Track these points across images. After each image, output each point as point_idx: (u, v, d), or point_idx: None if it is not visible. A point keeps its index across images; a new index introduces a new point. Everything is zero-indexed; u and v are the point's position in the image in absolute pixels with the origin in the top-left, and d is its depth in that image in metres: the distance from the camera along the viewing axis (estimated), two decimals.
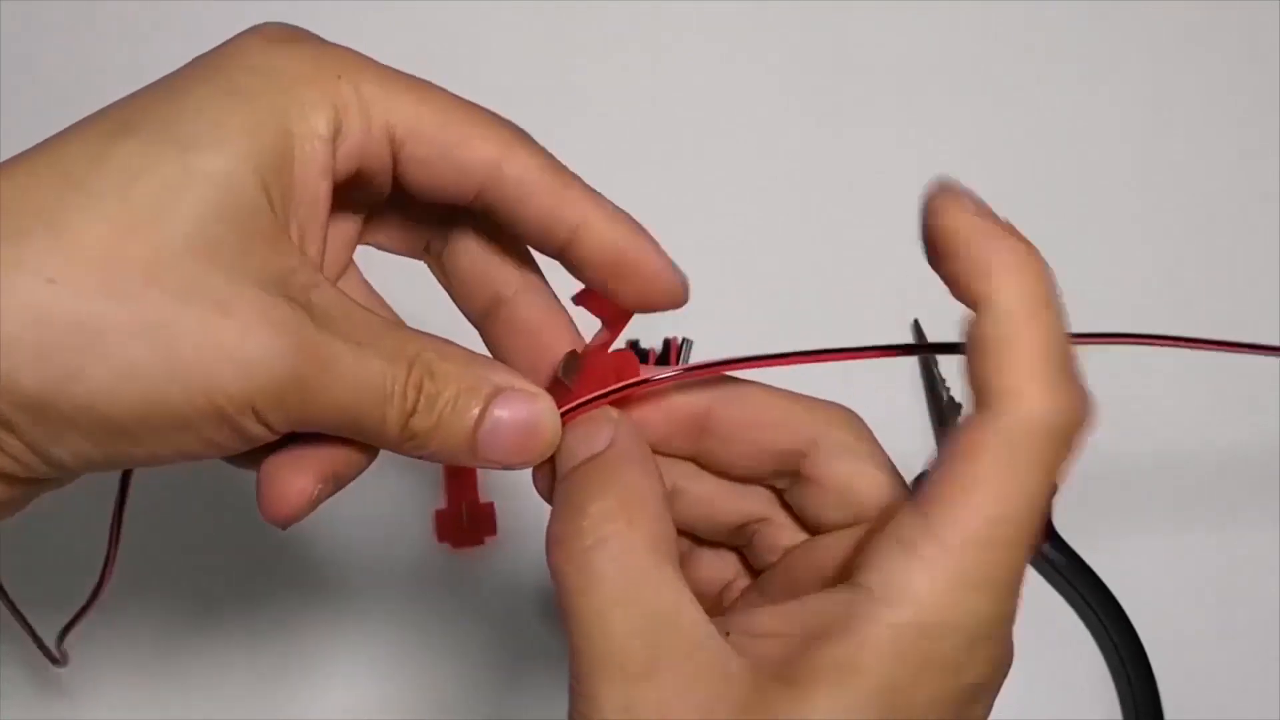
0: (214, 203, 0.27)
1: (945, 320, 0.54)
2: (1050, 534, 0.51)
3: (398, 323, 0.31)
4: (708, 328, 0.52)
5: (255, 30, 0.30)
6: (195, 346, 0.26)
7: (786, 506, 0.33)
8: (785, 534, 0.33)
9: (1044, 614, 0.51)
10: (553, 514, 0.29)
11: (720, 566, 0.35)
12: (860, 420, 0.31)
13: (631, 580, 0.28)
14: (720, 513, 0.34)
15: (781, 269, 0.57)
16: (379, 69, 0.30)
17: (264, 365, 0.26)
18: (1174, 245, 0.57)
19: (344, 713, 0.50)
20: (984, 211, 0.28)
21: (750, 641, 0.28)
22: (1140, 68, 0.60)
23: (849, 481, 0.31)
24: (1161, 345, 0.36)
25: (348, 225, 0.33)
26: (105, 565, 0.35)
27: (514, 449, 0.30)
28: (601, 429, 0.30)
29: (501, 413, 0.29)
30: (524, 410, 0.30)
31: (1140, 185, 0.58)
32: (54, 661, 0.41)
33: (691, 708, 0.26)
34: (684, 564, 0.32)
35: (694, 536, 0.35)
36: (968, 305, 0.27)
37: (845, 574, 0.28)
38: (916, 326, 0.55)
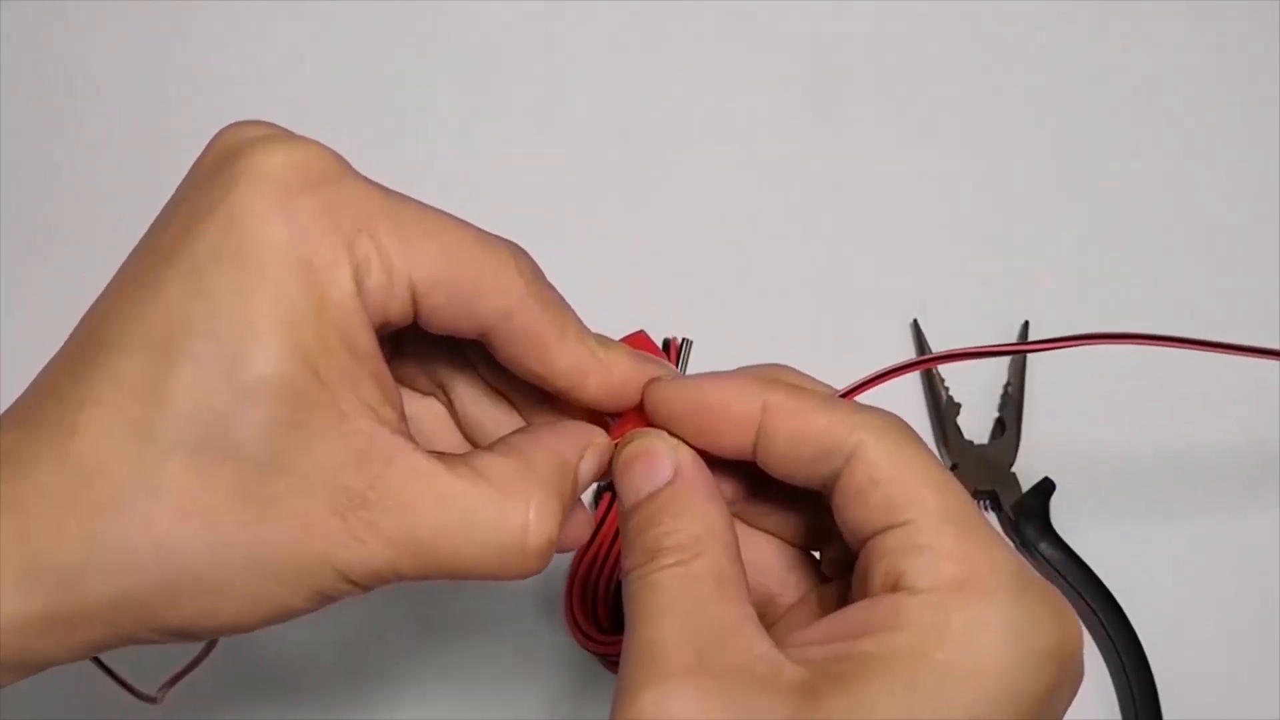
0: (274, 414, 0.27)
1: (945, 320, 0.55)
2: (1049, 533, 0.51)
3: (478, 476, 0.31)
4: (708, 328, 0.52)
5: (253, 173, 0.28)
6: (296, 568, 0.28)
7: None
8: (840, 549, 0.33)
9: None
10: (624, 550, 0.30)
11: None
12: (908, 425, 0.31)
13: (693, 597, 0.28)
14: (791, 520, 0.34)
15: (781, 269, 0.57)
16: (395, 216, 0.29)
17: (356, 568, 0.28)
18: (1175, 242, 0.57)
19: None
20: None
21: (801, 651, 0.28)
22: (1140, 68, 0.60)
23: (896, 481, 0.30)
24: (1157, 345, 0.36)
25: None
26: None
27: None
28: (663, 460, 0.31)
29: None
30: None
31: (1141, 186, 0.58)
32: (147, 699, 0.42)
33: (735, 711, 0.27)
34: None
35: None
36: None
37: (887, 587, 0.29)
38: (916, 326, 0.55)
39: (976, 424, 0.54)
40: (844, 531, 0.31)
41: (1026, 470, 0.52)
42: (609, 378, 0.32)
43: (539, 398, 0.34)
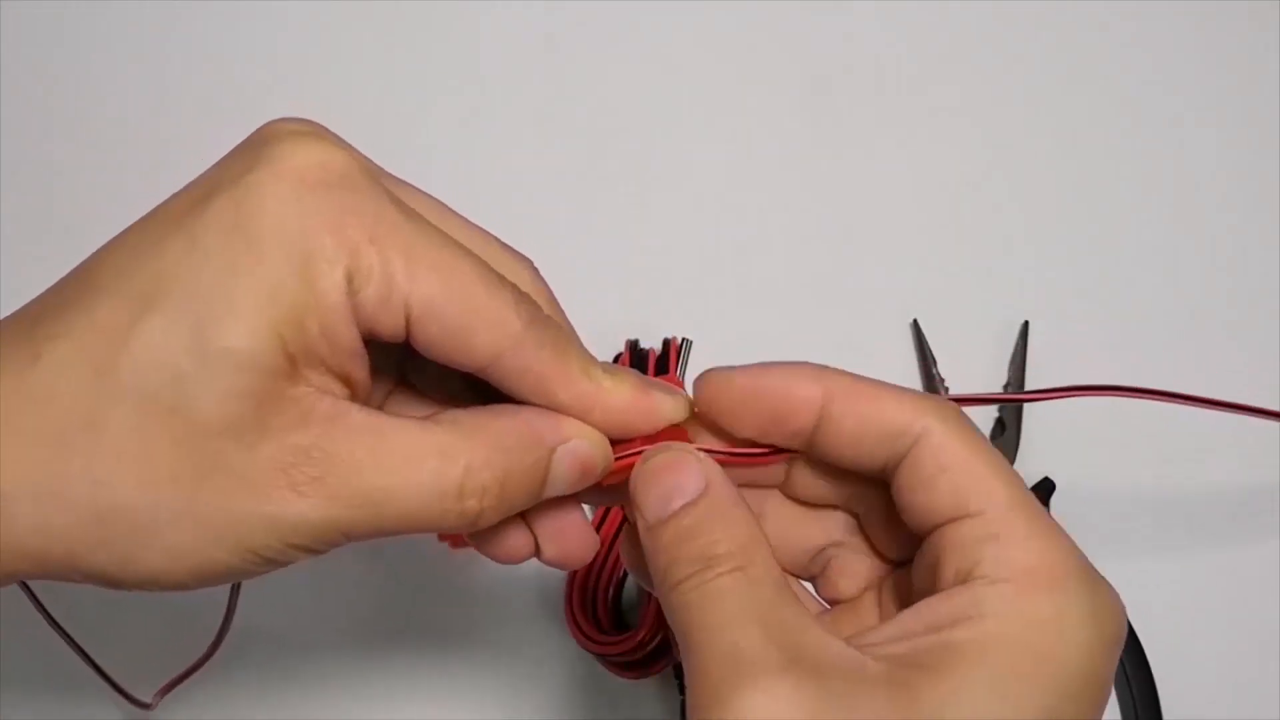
0: (233, 384, 0.27)
1: (945, 320, 0.55)
2: None
3: (427, 426, 0.31)
4: (707, 328, 0.52)
5: (281, 162, 0.29)
6: (228, 522, 0.28)
7: (863, 534, 0.34)
8: (863, 561, 0.34)
9: None
10: (662, 564, 0.30)
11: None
12: (966, 414, 0.32)
13: (762, 600, 0.29)
14: (800, 537, 0.34)
15: (781, 269, 0.57)
16: (406, 239, 0.29)
17: (295, 524, 0.28)
18: (1175, 242, 0.57)
19: None
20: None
21: (877, 649, 0.29)
22: (1141, 68, 0.60)
23: (963, 470, 0.30)
24: (1153, 400, 0.37)
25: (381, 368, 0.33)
26: (220, 631, 0.39)
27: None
28: (691, 473, 0.31)
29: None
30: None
31: (1141, 186, 0.58)
32: (141, 706, 0.43)
33: (834, 705, 0.27)
34: None
35: None
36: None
37: (961, 577, 0.29)
38: (916, 327, 0.55)
39: (976, 424, 0.53)
40: (908, 518, 0.31)
41: (1026, 470, 0.52)
42: (612, 405, 0.32)
43: None
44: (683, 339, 0.52)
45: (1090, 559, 0.52)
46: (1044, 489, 0.52)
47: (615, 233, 0.57)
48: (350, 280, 0.28)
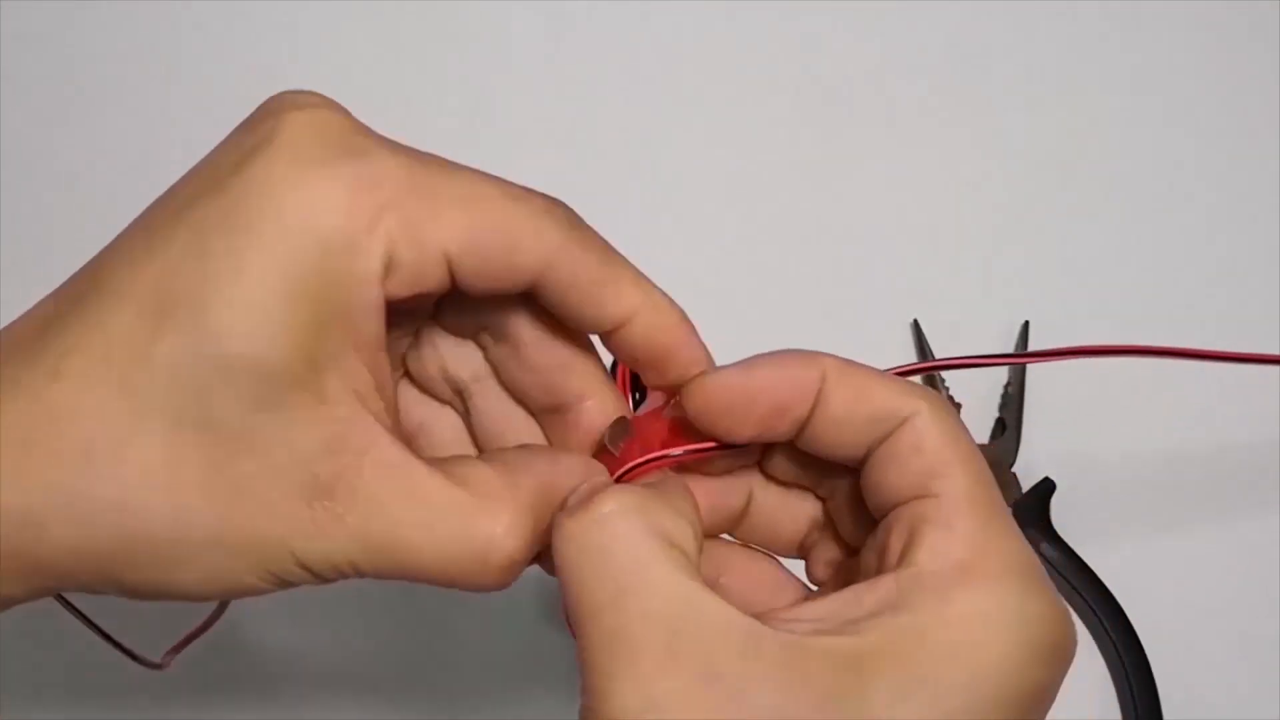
0: (257, 397, 0.27)
1: (945, 320, 0.55)
2: (1050, 533, 0.51)
3: (456, 481, 0.30)
4: (707, 328, 0.52)
5: (281, 140, 0.27)
6: (255, 547, 0.27)
7: (828, 518, 0.34)
8: (832, 546, 0.34)
9: None
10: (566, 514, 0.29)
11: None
12: (953, 408, 0.31)
13: (643, 564, 0.27)
14: (787, 518, 0.34)
15: (781, 268, 0.57)
16: (424, 186, 0.28)
17: (315, 558, 0.28)
18: (1176, 241, 0.57)
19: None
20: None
21: (799, 626, 0.27)
22: (1140, 68, 0.60)
23: (936, 454, 0.30)
24: (1156, 357, 0.36)
25: (397, 340, 0.33)
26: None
27: None
28: (649, 476, 0.31)
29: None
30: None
31: (1141, 186, 0.58)
32: (153, 666, 0.42)
33: (718, 692, 0.26)
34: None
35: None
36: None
37: (901, 552, 0.29)
38: (916, 326, 0.55)
39: (976, 424, 0.54)
40: (870, 497, 0.30)
41: (1026, 470, 0.52)
42: (662, 323, 0.31)
43: (557, 411, 0.33)
44: None
45: (1089, 558, 0.52)
46: (1044, 489, 0.52)
47: (615, 233, 0.57)
48: (383, 261, 0.27)
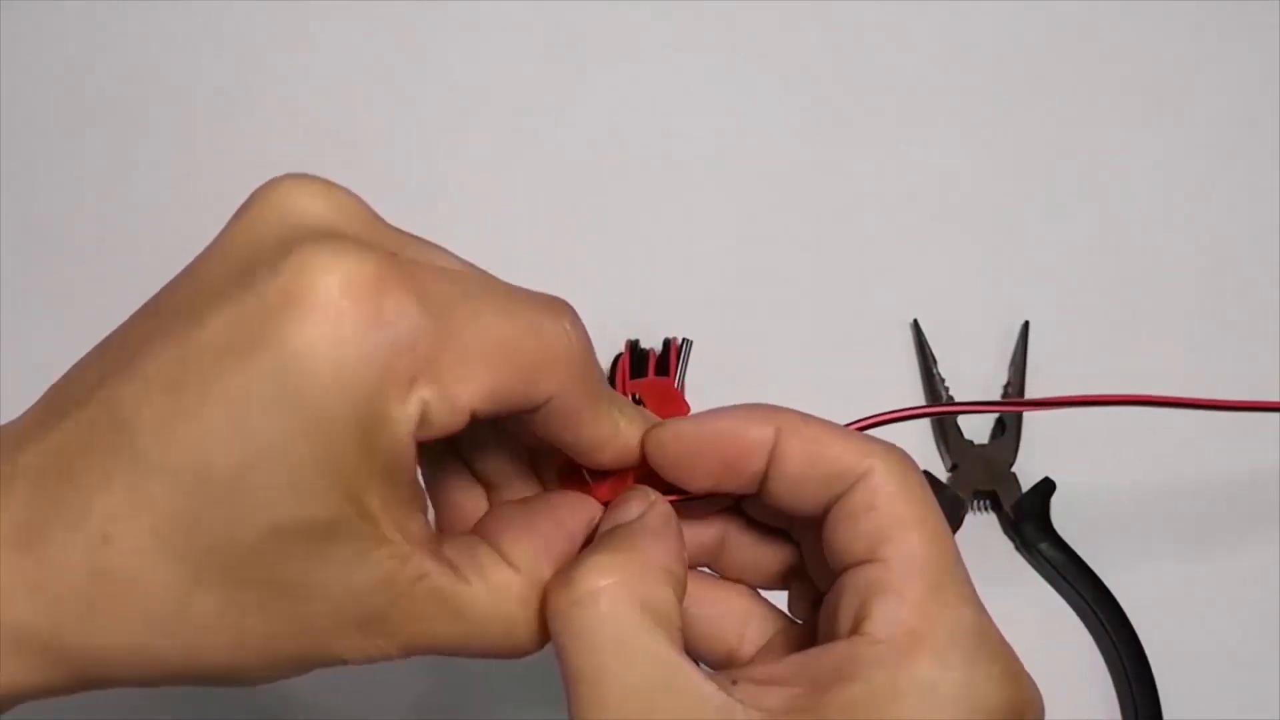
0: (304, 554, 0.27)
1: (945, 320, 0.55)
2: (1050, 534, 0.51)
3: (503, 590, 0.31)
4: (707, 329, 0.52)
5: (309, 303, 0.26)
6: (302, 660, 0.29)
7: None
8: (811, 587, 0.34)
9: (1044, 614, 0.51)
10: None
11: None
12: (914, 463, 0.31)
13: (624, 642, 0.28)
14: (765, 557, 0.34)
15: (781, 268, 0.57)
16: (453, 341, 0.28)
17: (356, 657, 0.29)
18: (1176, 241, 0.57)
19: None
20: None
21: (758, 690, 0.28)
22: (1140, 68, 0.60)
23: (888, 514, 0.30)
24: (1157, 407, 0.37)
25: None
26: None
27: None
28: (634, 505, 0.32)
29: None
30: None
31: (1141, 185, 0.58)
32: None
33: None
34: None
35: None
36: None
37: (851, 628, 0.29)
38: (916, 326, 0.55)
39: (977, 424, 0.54)
40: (828, 554, 0.31)
41: (1026, 470, 0.52)
42: (622, 449, 0.32)
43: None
44: (683, 339, 0.52)
45: (1090, 559, 0.52)
46: (1044, 489, 0.52)
47: (616, 233, 0.57)
48: (416, 423, 0.27)
